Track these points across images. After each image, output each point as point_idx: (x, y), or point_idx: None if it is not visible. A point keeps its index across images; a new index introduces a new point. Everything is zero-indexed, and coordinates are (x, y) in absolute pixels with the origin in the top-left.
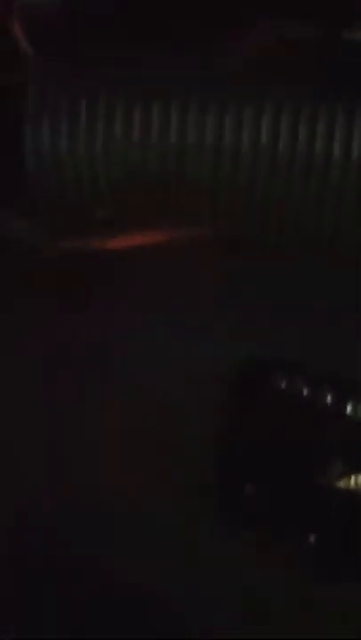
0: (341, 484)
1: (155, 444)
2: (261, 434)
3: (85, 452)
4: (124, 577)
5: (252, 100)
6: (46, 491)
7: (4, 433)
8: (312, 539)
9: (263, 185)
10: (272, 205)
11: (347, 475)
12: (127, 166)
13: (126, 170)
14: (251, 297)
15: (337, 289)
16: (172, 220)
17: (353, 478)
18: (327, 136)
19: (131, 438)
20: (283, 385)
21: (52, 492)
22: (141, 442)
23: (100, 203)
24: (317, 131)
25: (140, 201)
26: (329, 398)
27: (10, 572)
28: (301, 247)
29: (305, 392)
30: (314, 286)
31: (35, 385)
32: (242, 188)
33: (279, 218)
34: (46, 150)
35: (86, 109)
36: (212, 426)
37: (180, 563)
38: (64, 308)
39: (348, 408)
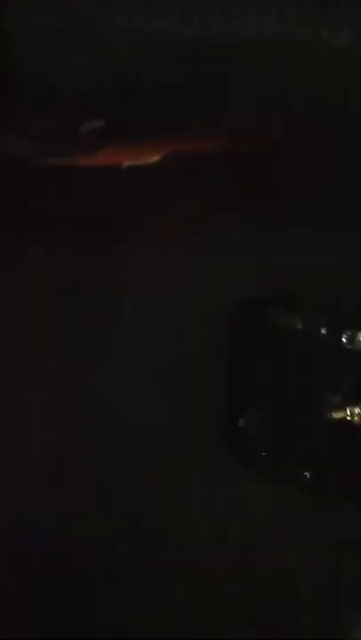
0: (338, 415)
1: (160, 383)
2: (259, 368)
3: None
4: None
5: None
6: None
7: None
8: (309, 474)
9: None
10: None
11: (344, 406)
12: None
13: None
14: (247, 235)
15: (329, 222)
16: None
17: (349, 410)
18: None
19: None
20: (279, 321)
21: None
22: (147, 381)
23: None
24: None
25: None
26: (324, 330)
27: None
28: None
29: (300, 326)
30: (306, 221)
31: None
32: None
33: None
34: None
35: None
36: (211, 361)
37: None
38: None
39: (344, 339)
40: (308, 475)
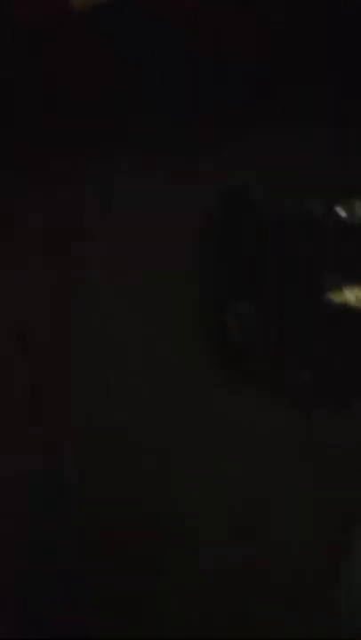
0: (338, 298)
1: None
2: (250, 257)
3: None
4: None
5: None
6: None
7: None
8: (309, 373)
9: None
10: None
11: (342, 288)
12: None
13: None
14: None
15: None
16: None
17: (348, 292)
18: None
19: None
20: (264, 203)
21: None
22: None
23: None
24: None
25: None
26: (318, 208)
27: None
28: None
29: (291, 208)
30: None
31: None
32: None
33: None
34: None
35: None
36: (200, 254)
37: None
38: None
39: (342, 213)
40: (308, 374)
